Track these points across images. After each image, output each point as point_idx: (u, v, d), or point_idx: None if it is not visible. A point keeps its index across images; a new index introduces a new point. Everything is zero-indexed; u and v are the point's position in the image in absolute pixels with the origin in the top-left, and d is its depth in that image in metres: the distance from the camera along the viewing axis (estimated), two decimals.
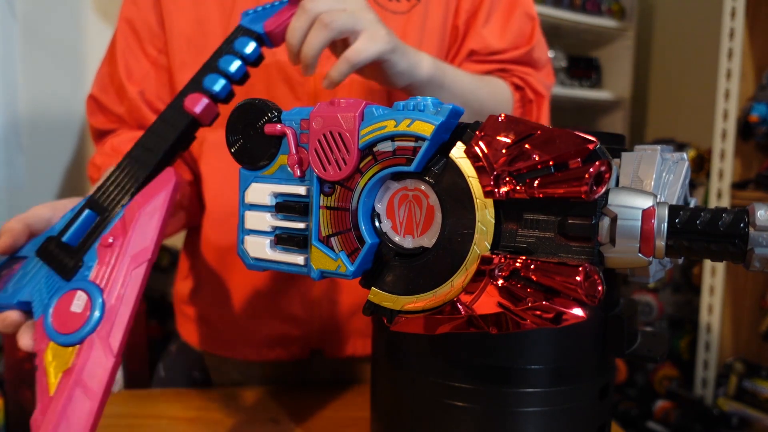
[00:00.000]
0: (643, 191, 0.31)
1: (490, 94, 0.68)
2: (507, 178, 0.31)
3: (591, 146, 0.29)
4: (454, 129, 0.34)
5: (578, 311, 0.29)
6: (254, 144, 0.40)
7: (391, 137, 0.34)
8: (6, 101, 1.30)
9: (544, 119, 0.76)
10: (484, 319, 0.32)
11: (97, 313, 0.41)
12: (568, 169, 0.29)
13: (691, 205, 0.35)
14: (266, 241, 0.40)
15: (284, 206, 0.39)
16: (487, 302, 0.32)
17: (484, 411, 0.40)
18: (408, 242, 0.35)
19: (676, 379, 1.88)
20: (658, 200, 0.31)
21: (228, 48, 0.51)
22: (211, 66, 0.50)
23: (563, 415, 0.40)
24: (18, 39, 1.33)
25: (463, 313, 0.32)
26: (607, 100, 2.29)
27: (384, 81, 0.56)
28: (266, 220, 0.40)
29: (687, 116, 2.24)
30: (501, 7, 0.73)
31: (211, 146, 0.69)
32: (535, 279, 0.30)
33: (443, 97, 0.59)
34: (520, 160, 0.31)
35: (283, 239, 0.39)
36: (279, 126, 0.39)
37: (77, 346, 0.41)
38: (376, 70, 0.54)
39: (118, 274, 0.43)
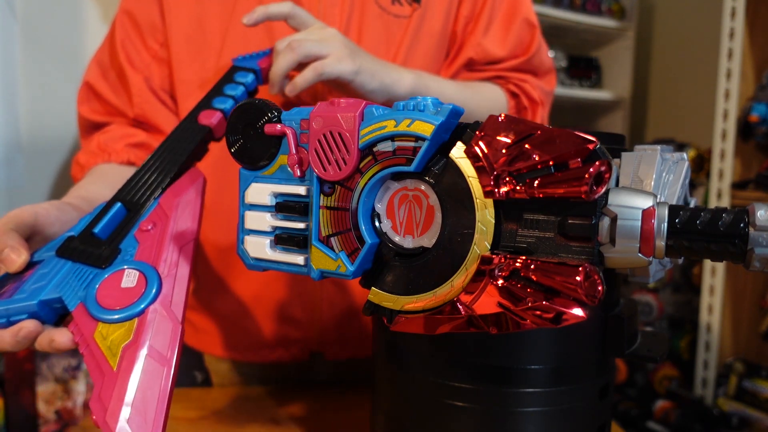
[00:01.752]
0: (643, 191, 0.31)
1: (482, 102, 0.69)
2: (507, 178, 0.31)
3: (591, 146, 0.29)
4: (454, 129, 0.34)
5: (578, 311, 0.29)
6: (254, 144, 0.40)
7: (391, 137, 0.34)
8: (6, 101, 1.30)
9: None
10: (484, 319, 0.32)
11: (156, 284, 0.41)
12: (568, 169, 0.29)
13: (691, 205, 0.35)
14: (266, 241, 0.40)
15: (284, 206, 0.39)
16: (487, 302, 0.31)
17: (484, 411, 0.40)
18: (408, 242, 0.35)
19: (676, 379, 1.88)
20: (658, 200, 0.31)
21: (230, 79, 0.58)
22: (218, 91, 0.56)
23: (563, 415, 0.40)
24: (18, 39, 1.33)
25: (463, 313, 0.32)
26: (607, 100, 2.29)
27: (360, 98, 0.58)
28: (266, 220, 0.40)
29: (687, 116, 2.24)
30: (501, 14, 0.73)
31: (210, 147, 0.69)
32: (535, 279, 0.30)
33: None
34: (520, 160, 0.31)
35: (283, 239, 0.39)
36: (279, 126, 0.39)
37: (136, 319, 0.40)
38: (346, 89, 0.57)
39: (167, 251, 0.44)
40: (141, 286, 0.41)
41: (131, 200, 0.48)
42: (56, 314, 0.43)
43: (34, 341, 0.41)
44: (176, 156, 0.52)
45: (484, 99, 0.70)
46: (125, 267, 0.43)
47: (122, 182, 0.50)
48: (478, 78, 0.73)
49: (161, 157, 0.52)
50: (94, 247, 0.45)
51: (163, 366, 0.38)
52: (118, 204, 0.48)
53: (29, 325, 0.40)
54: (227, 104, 0.55)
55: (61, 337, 0.40)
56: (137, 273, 0.42)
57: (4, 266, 0.43)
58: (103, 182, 0.60)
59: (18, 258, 0.43)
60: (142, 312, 0.40)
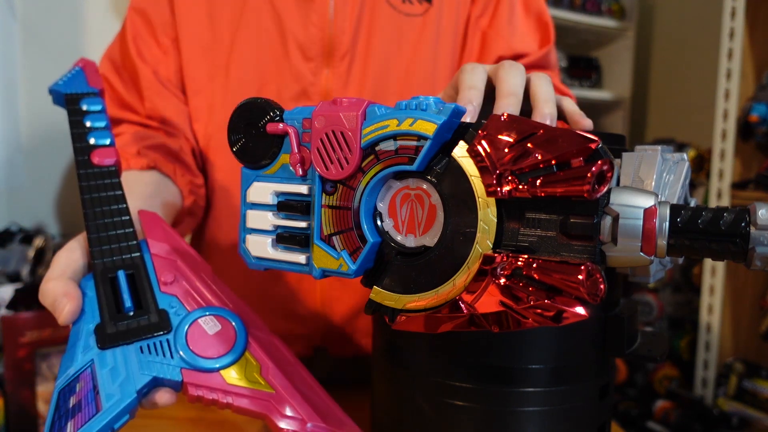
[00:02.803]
0: (645, 190, 0.31)
1: None
2: (509, 177, 0.31)
3: (593, 145, 0.29)
4: (457, 128, 0.34)
5: (580, 310, 0.29)
6: (256, 143, 0.40)
7: (394, 136, 0.34)
8: (6, 101, 1.30)
9: None
10: (486, 318, 0.32)
11: (234, 317, 0.44)
12: (571, 168, 0.29)
13: (692, 205, 0.35)
14: (268, 240, 0.40)
15: (286, 205, 0.39)
16: (489, 301, 0.32)
17: (485, 410, 0.40)
18: (410, 241, 0.35)
19: (676, 379, 1.88)
20: (659, 200, 0.31)
21: (81, 112, 0.52)
22: (82, 128, 0.51)
23: (563, 415, 0.40)
24: (18, 39, 1.33)
25: (464, 312, 0.32)
26: (607, 100, 2.29)
27: None
28: (268, 219, 0.40)
29: (687, 116, 2.24)
30: (518, 10, 0.72)
31: (217, 147, 0.69)
32: (537, 278, 0.30)
33: None
34: (522, 159, 0.31)
35: (284, 238, 0.39)
36: (281, 125, 0.39)
37: (247, 352, 0.42)
38: None
39: (207, 289, 0.45)
40: (226, 325, 0.43)
41: (123, 265, 0.45)
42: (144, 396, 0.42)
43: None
44: (115, 205, 0.48)
45: None
46: (193, 321, 0.43)
47: (149, 190, 0.49)
48: None
49: (100, 214, 0.47)
50: (135, 320, 0.42)
51: (296, 367, 0.44)
52: (121, 272, 0.45)
53: (165, 396, 0.40)
54: (107, 138, 0.51)
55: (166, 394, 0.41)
56: (211, 317, 0.43)
57: (55, 314, 0.41)
58: (131, 198, 0.54)
59: (72, 304, 0.41)
60: (247, 342, 0.43)
